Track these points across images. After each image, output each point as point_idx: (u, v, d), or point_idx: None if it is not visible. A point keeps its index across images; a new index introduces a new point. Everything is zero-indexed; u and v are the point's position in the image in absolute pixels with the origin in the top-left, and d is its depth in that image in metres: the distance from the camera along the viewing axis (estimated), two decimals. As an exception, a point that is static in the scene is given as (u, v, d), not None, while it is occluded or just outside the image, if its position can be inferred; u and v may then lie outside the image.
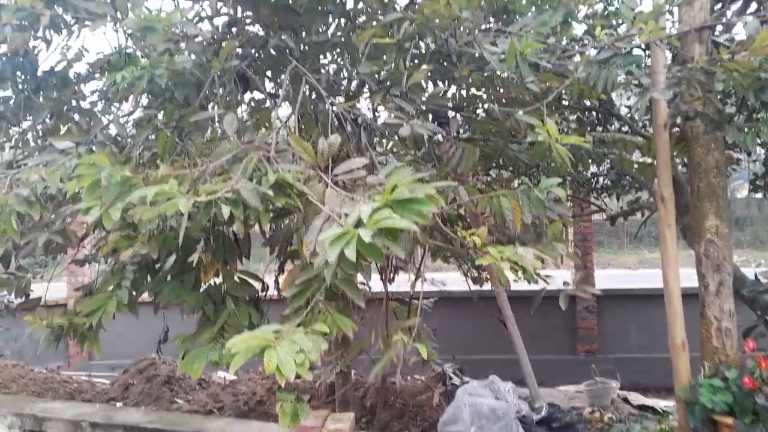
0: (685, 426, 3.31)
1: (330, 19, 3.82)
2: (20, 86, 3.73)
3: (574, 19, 3.69)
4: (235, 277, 2.43)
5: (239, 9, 3.05)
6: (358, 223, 1.70)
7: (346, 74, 3.81)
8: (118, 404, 5.21)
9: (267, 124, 4.47)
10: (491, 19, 4.15)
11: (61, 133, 3.85)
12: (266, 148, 2.31)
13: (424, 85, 3.37)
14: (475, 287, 5.51)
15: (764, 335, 3.94)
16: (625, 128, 5.23)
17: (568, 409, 3.97)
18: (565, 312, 10.89)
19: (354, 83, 3.76)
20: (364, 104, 4.09)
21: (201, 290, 2.39)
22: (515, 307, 5.56)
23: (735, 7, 4.25)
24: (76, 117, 3.84)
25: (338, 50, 3.94)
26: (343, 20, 3.81)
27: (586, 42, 3.07)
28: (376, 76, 2.93)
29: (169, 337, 2.98)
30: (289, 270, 2.18)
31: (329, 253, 1.58)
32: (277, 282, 3.03)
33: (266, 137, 2.34)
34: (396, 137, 3.58)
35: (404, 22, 2.92)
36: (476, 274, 5.43)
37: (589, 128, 5.14)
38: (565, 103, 4.73)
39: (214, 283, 2.46)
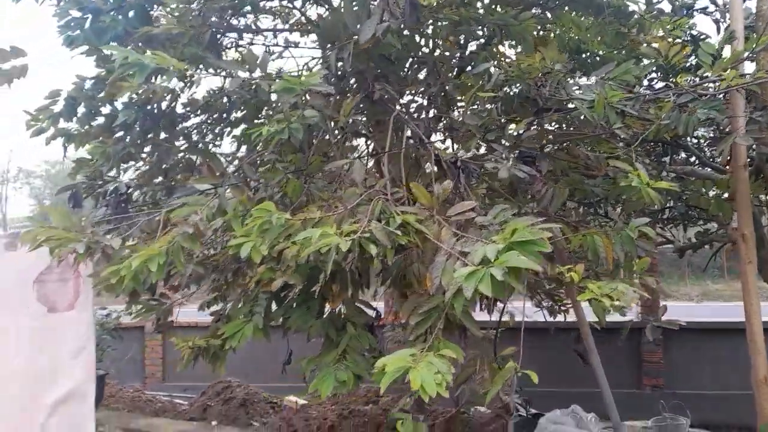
0: (770, 460, 3.37)
1: (417, 66, 4.16)
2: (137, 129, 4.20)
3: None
4: (354, 306, 2.73)
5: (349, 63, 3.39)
6: (483, 261, 1.98)
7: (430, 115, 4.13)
8: (213, 423, 5.57)
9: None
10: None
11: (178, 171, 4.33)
12: (384, 192, 2.63)
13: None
14: (549, 319, 5.64)
15: None
16: (693, 159, 5.35)
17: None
18: (630, 345, 10.71)
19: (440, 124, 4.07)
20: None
21: (325, 317, 2.70)
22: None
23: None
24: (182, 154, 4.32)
25: (423, 92, 4.26)
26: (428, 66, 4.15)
27: (669, 87, 3.28)
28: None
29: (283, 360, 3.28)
30: (409, 300, 2.45)
31: (466, 288, 1.85)
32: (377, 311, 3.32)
33: (384, 183, 2.65)
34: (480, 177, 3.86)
35: (495, 72, 3.22)
36: (551, 306, 5.57)
37: (655, 159, 5.27)
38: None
39: (333, 310, 2.77)
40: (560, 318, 5.88)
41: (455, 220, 2.52)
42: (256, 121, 4.65)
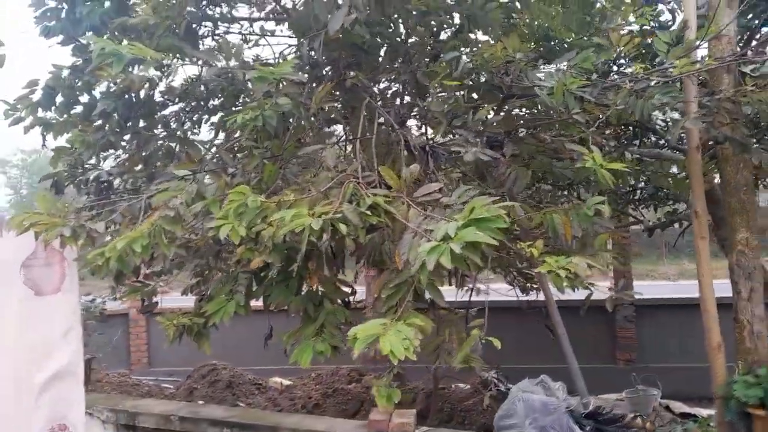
0: (722, 420, 3.63)
1: (389, 55, 4.29)
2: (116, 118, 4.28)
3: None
4: (332, 284, 2.90)
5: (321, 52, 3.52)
6: (445, 238, 2.15)
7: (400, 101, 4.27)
8: (200, 402, 5.72)
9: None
10: (531, 44, 4.58)
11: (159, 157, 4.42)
12: (356, 176, 2.78)
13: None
14: (522, 297, 5.86)
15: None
16: (662, 141, 5.58)
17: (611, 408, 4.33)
18: (605, 321, 11.06)
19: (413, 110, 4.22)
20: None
21: (303, 294, 2.86)
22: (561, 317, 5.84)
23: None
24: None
25: (395, 80, 4.39)
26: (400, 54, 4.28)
27: (625, 74, 3.47)
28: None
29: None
30: (381, 276, 2.62)
31: (428, 261, 2.03)
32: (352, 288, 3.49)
33: (355, 167, 2.81)
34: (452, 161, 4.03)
35: (461, 60, 3.38)
36: (524, 283, 5.78)
37: (626, 142, 5.48)
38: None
39: (311, 288, 2.93)
40: (534, 296, 6.14)
41: (423, 200, 2.69)
42: (234, 108, 4.76)
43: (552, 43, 4.83)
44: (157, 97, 4.62)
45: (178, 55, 3.38)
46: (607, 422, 3.73)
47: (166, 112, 4.86)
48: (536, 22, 4.76)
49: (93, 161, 4.54)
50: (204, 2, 3.52)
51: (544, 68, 3.78)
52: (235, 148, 3.56)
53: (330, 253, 2.78)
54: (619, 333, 10.05)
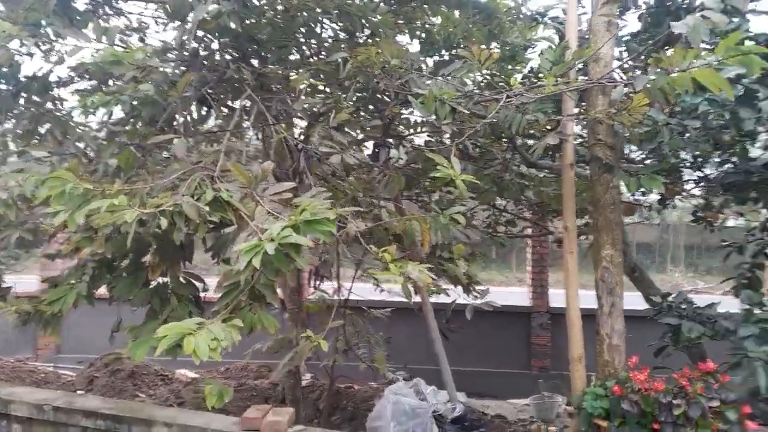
0: (578, 431, 3.76)
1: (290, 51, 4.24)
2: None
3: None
4: (180, 278, 2.84)
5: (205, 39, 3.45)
6: (269, 238, 2.14)
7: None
8: (79, 392, 5.54)
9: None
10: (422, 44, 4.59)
11: (39, 137, 4.24)
12: (212, 168, 2.74)
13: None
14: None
15: (670, 354, 4.42)
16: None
17: (481, 414, 4.45)
18: (521, 328, 11.24)
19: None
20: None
21: (150, 288, 2.80)
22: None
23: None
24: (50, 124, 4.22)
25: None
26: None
27: (503, 89, 3.54)
28: (317, 108, 3.37)
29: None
30: (223, 273, 2.59)
31: (241, 260, 2.01)
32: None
33: (212, 159, 2.77)
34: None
35: (347, 62, 3.38)
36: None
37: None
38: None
39: (164, 282, 2.87)
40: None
41: (276, 199, 2.67)
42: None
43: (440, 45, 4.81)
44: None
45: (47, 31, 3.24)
46: (471, 427, 3.81)
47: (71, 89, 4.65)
48: (441, 31, 4.78)
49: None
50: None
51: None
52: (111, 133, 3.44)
53: (180, 246, 2.73)
54: (533, 340, 10.31)
